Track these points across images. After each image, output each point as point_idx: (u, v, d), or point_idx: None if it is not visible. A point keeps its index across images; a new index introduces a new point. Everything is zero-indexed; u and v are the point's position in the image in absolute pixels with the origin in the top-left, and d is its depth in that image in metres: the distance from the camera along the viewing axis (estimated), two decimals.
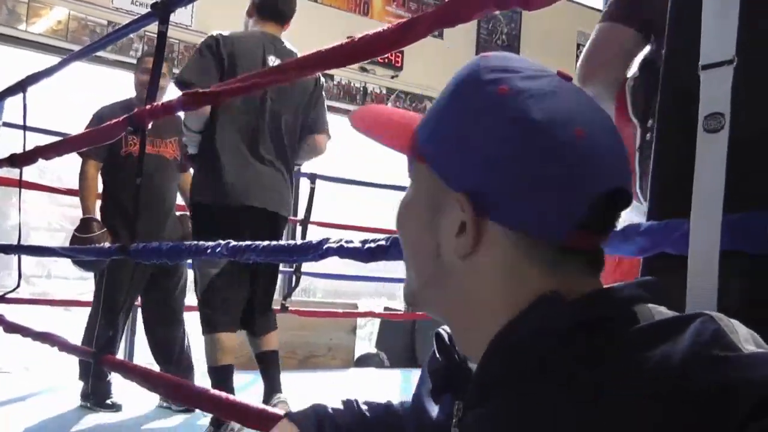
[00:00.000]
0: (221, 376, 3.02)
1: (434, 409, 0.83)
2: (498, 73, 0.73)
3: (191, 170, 3.80)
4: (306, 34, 6.65)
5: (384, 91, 7.52)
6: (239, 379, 4.33)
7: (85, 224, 3.72)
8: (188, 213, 3.87)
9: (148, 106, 2.45)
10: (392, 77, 7.49)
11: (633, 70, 1.86)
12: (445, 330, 0.87)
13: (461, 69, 0.77)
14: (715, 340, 0.60)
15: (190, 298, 3.69)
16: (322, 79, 3.47)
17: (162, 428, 3.52)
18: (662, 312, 0.69)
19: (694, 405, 0.57)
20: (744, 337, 0.61)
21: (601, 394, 0.62)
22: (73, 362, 3.83)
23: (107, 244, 3.43)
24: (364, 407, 1.04)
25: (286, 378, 5.26)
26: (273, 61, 3.18)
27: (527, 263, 0.72)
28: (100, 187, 3.93)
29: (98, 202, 3.94)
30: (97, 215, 3.84)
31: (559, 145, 0.69)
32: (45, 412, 3.63)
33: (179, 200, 4.16)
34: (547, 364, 0.68)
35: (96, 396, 3.70)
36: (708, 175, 0.96)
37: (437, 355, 0.87)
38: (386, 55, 7.23)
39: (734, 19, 0.97)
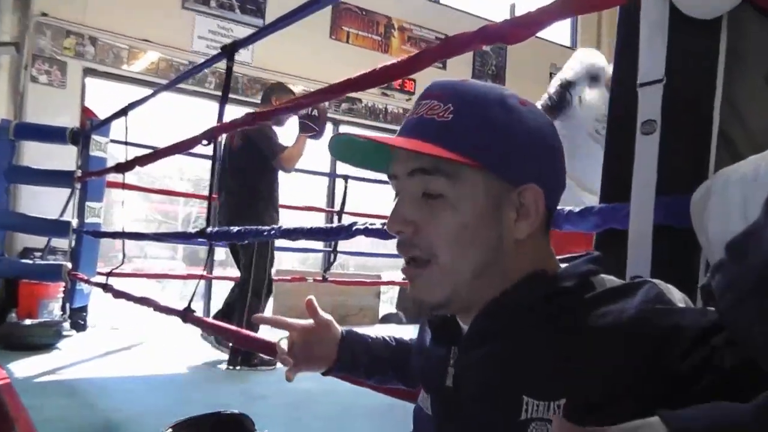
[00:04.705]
0: None
1: (433, 351, 0.80)
2: (509, 93, 0.72)
3: None
4: (340, 67, 6.70)
5: (401, 111, 7.51)
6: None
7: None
8: None
9: (218, 124, 2.49)
10: (407, 100, 7.48)
11: None
12: None
13: (477, 95, 0.70)
14: (658, 299, 0.63)
15: None
16: None
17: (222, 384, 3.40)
18: (614, 280, 0.70)
19: (647, 341, 0.59)
20: (678, 299, 0.64)
21: (575, 337, 0.63)
22: (161, 320, 3.59)
23: None
24: (388, 338, 1.03)
25: None
26: None
27: (545, 239, 0.73)
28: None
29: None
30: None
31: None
32: (144, 358, 3.70)
33: None
34: (533, 319, 0.67)
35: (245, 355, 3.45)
36: (644, 167, 0.96)
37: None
38: (402, 83, 7.27)
39: (663, 47, 0.97)
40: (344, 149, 0.77)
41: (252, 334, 2.16)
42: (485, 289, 0.70)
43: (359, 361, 0.99)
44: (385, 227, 0.73)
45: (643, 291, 0.63)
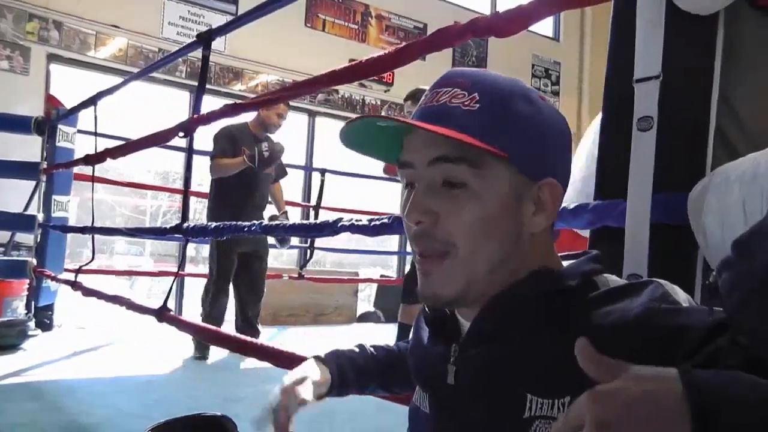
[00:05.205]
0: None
1: (431, 349, 0.80)
2: (528, 87, 0.74)
3: (281, 182, 4.13)
4: (315, 56, 6.69)
5: (378, 103, 7.51)
6: (267, 332, 4.40)
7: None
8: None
9: (196, 116, 2.47)
10: (385, 91, 7.48)
11: None
12: None
13: (502, 87, 0.71)
14: (664, 299, 0.63)
15: None
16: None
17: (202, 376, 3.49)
18: (617, 279, 0.71)
19: (653, 340, 0.60)
20: (683, 299, 0.66)
21: (580, 335, 0.65)
22: (132, 319, 3.70)
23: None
24: (371, 349, 1.02)
25: (301, 331, 5.36)
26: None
27: (552, 235, 0.75)
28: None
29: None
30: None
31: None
32: (114, 359, 3.66)
33: None
34: (537, 316, 0.68)
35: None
36: (640, 164, 0.99)
37: (427, 310, 0.81)
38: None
39: (660, 43, 0.99)
40: (353, 135, 0.76)
41: (216, 329, 2.17)
42: (495, 284, 0.71)
43: (350, 384, 0.98)
44: (404, 217, 0.72)
45: (648, 290, 0.64)
